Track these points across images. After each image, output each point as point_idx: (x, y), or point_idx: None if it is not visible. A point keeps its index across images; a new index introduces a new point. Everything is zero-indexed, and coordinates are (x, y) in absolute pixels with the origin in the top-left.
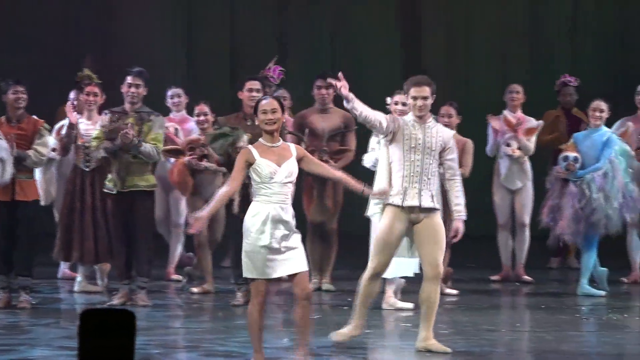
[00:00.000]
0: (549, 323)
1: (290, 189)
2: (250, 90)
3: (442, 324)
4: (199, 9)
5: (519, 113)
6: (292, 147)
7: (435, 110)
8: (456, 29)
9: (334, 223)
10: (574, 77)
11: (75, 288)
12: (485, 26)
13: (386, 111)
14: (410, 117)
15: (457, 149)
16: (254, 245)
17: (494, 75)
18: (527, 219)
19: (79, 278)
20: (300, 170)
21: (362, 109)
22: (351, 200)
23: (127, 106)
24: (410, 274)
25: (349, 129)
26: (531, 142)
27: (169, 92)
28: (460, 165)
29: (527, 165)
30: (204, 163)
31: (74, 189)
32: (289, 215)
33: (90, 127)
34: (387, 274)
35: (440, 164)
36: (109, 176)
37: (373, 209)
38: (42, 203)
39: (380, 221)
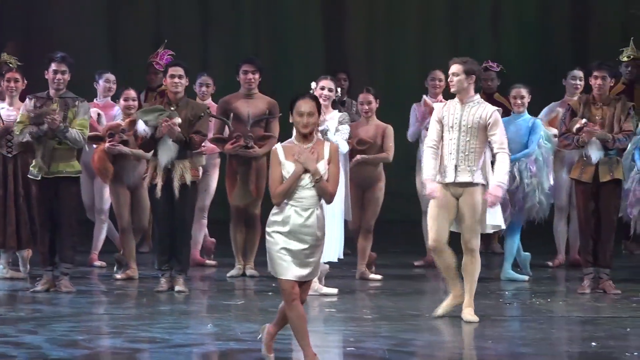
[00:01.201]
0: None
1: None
2: (172, 76)
3: (366, 309)
4: None
5: (440, 99)
6: (327, 147)
7: (354, 96)
8: (378, 15)
9: (257, 208)
10: (496, 62)
11: None
12: (408, 11)
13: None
14: (455, 99)
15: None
16: (271, 243)
17: (415, 61)
18: None
19: (1, 265)
20: (222, 154)
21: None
22: None
23: (52, 92)
24: (335, 260)
25: (273, 115)
26: None
27: (103, 77)
28: (382, 150)
29: None
30: (121, 147)
31: None
32: (312, 218)
33: (12, 112)
34: None
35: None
36: (34, 162)
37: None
38: None
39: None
